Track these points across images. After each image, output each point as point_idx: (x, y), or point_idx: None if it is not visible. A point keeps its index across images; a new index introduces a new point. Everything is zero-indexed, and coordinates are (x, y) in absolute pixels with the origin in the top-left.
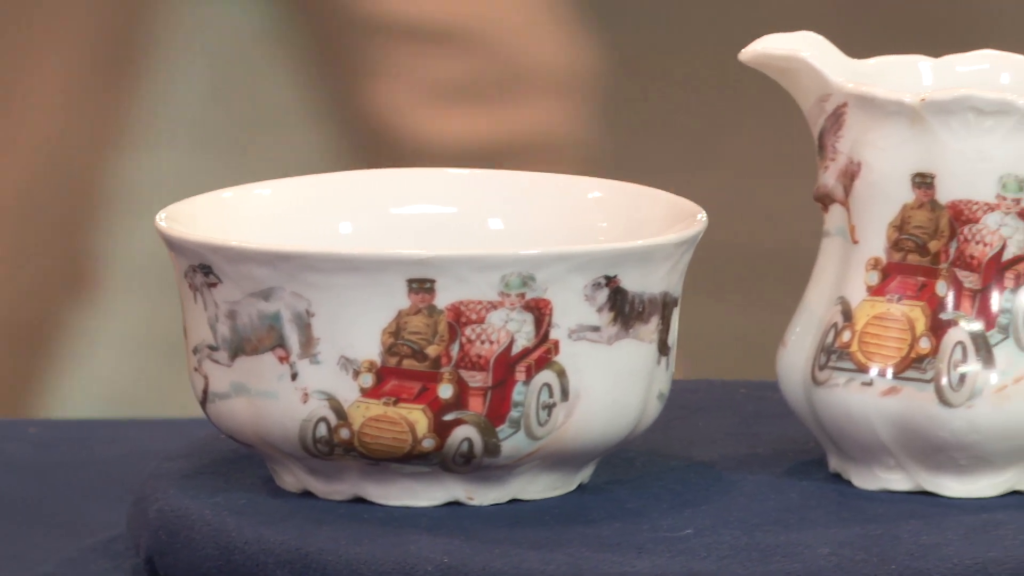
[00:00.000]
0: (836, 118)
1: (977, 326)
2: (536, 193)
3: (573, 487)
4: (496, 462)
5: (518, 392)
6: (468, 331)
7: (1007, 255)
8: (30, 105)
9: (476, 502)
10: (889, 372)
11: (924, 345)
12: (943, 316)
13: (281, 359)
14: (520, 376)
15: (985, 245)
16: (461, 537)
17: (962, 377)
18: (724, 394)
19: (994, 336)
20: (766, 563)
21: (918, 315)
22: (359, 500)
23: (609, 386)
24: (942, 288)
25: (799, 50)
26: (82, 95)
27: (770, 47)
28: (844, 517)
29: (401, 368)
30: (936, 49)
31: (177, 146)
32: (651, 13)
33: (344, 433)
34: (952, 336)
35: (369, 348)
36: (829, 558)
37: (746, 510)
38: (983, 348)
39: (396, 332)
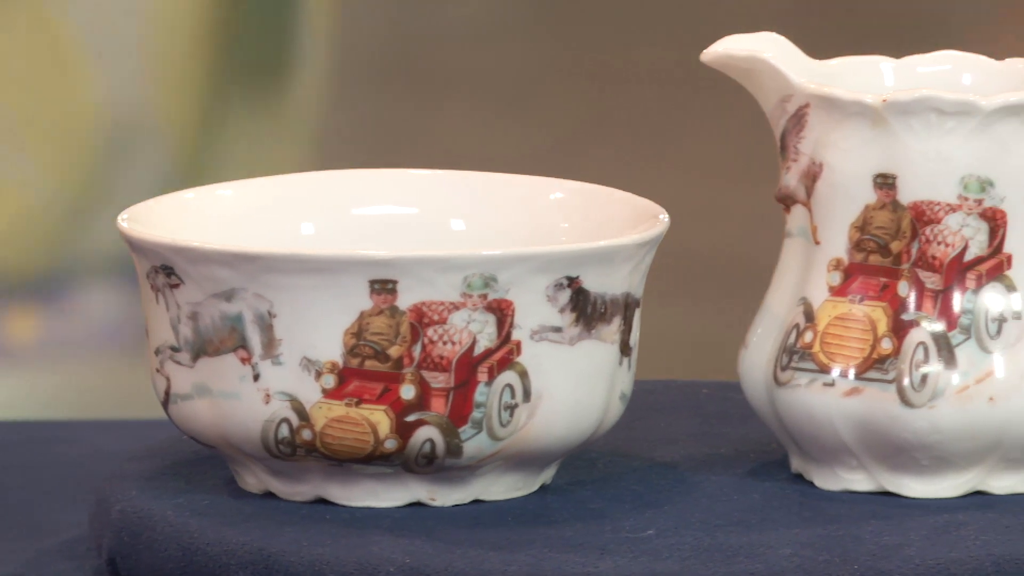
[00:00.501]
0: (798, 119)
1: (939, 327)
2: (498, 194)
3: (535, 488)
4: (458, 463)
5: (480, 393)
6: (430, 332)
7: (969, 256)
8: None
9: (438, 503)
10: (851, 373)
11: (886, 346)
12: (905, 317)
13: (243, 360)
14: (482, 377)
15: (947, 246)
16: (423, 538)
17: (924, 378)
18: (686, 395)
19: (956, 337)
20: (728, 564)
21: (880, 316)
22: (321, 501)
23: (571, 387)
24: (904, 289)
25: (761, 51)
26: None
27: (732, 48)
28: (806, 517)
29: (363, 369)
30: (898, 50)
31: None
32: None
33: (306, 434)
34: (914, 337)
35: (331, 349)
36: (791, 559)
37: (708, 511)
38: (945, 349)
39: (358, 333)
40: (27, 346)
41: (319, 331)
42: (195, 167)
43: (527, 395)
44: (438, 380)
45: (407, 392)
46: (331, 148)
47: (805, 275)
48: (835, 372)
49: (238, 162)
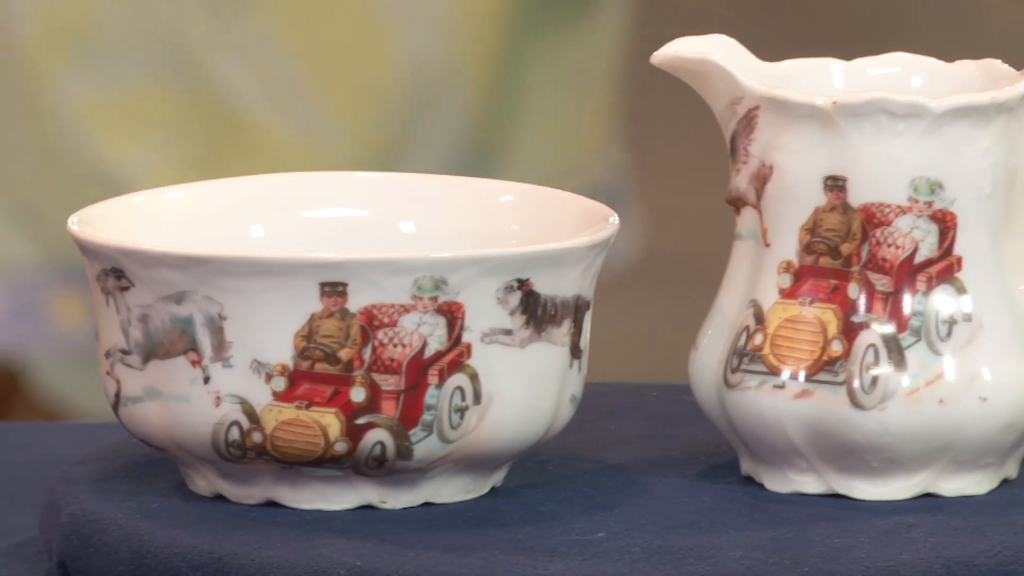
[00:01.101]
0: (748, 121)
1: (889, 329)
2: (448, 196)
3: (486, 490)
4: (409, 465)
5: (431, 395)
6: (380, 335)
7: (919, 258)
8: None
9: (389, 505)
10: (801, 375)
11: (836, 348)
12: (855, 319)
13: (193, 363)
14: (433, 379)
15: (897, 248)
16: (374, 540)
17: (874, 380)
18: (636, 397)
19: (906, 339)
20: (678, 566)
21: (830, 318)
22: (272, 504)
23: (522, 389)
24: (854, 291)
25: (711, 53)
26: None
27: (682, 50)
28: (756, 520)
29: (313, 372)
30: (848, 52)
31: None
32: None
33: (256, 437)
34: (864, 339)
35: (281, 352)
36: (741, 561)
37: (658, 513)
38: (895, 351)
39: (308, 336)
40: None
41: (269, 334)
42: (495, 119)
43: (477, 397)
44: (388, 383)
45: (357, 395)
46: (631, 91)
47: (755, 277)
48: (785, 374)
49: (536, 111)
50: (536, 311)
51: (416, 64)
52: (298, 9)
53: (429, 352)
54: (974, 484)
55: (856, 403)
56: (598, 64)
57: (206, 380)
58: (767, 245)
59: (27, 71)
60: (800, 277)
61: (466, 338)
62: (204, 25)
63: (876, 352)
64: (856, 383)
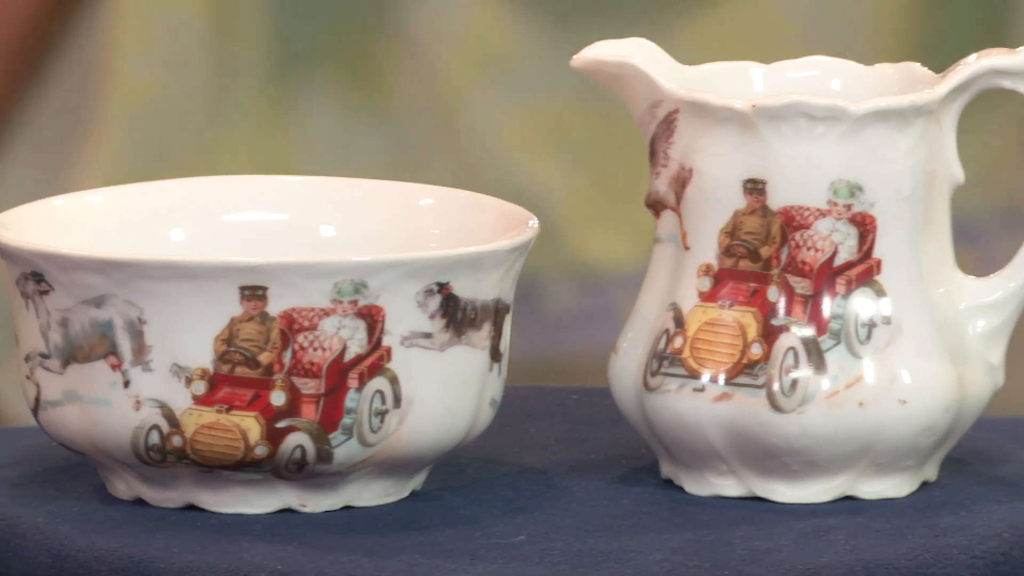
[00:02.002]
0: (667, 124)
1: (809, 332)
2: (368, 200)
3: (406, 494)
4: (329, 469)
5: (351, 399)
6: (301, 338)
7: (838, 261)
8: None
9: (309, 509)
10: (721, 378)
11: (756, 351)
12: (775, 322)
13: (113, 367)
14: (353, 383)
15: (816, 251)
16: (294, 544)
17: (794, 383)
18: (556, 400)
19: (826, 342)
20: (599, 569)
21: (750, 321)
22: (192, 507)
23: (441, 393)
24: (774, 294)
25: (630, 56)
26: None
27: (601, 54)
28: (676, 523)
29: (234, 375)
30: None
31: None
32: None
33: (176, 440)
34: (784, 342)
35: (201, 355)
36: (661, 564)
37: (578, 516)
38: (815, 354)
39: (229, 339)
40: None
41: (189, 337)
42: None
43: (397, 401)
44: (308, 386)
45: (277, 398)
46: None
47: (675, 280)
48: (705, 377)
49: None
50: (456, 314)
51: None
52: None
53: (349, 356)
54: (894, 487)
55: (776, 406)
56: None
57: (126, 384)
58: (687, 248)
59: (446, 93)
60: (720, 280)
61: (386, 341)
62: None
63: (796, 355)
64: (776, 386)
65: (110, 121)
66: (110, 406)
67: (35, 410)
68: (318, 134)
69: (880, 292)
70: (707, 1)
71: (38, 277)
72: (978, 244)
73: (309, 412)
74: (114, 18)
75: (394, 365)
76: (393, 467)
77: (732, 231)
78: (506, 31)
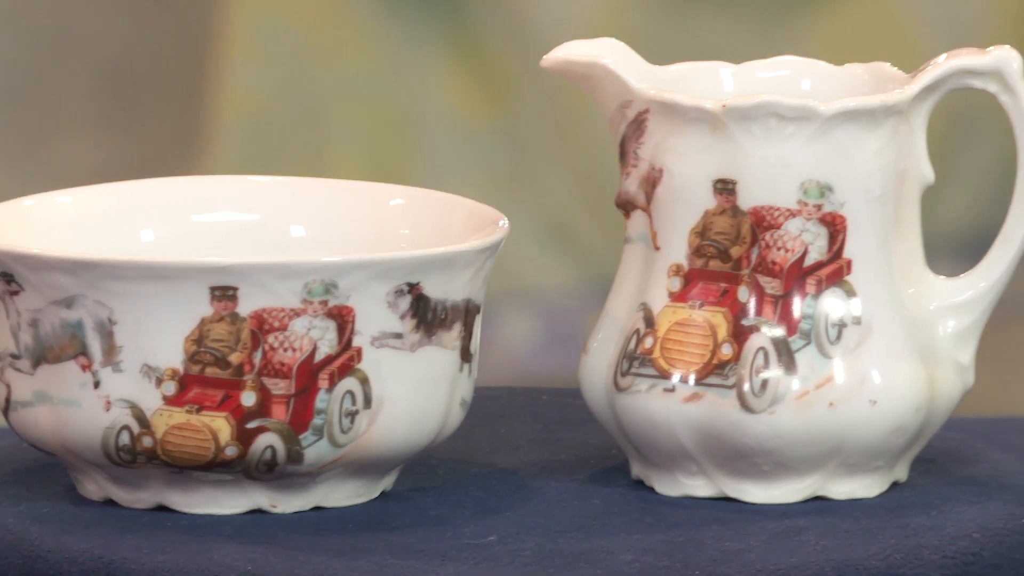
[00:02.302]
0: (638, 124)
1: (779, 332)
2: (338, 200)
3: (376, 494)
4: (299, 469)
5: (321, 399)
6: (271, 339)
7: (808, 261)
8: None
9: (279, 510)
10: (691, 378)
11: (726, 351)
12: (745, 322)
13: (84, 367)
14: (323, 383)
15: (787, 251)
16: (265, 545)
17: (764, 383)
18: (526, 401)
19: (796, 342)
20: (569, 570)
21: (720, 321)
22: (162, 508)
23: (412, 393)
24: (744, 294)
25: (601, 56)
26: None
27: (571, 54)
28: (647, 523)
29: (204, 376)
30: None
31: None
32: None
33: (147, 441)
34: (754, 342)
35: (172, 356)
36: (632, 564)
37: (549, 517)
38: (785, 354)
39: (199, 340)
40: None
41: (160, 338)
42: None
43: (368, 401)
44: (279, 387)
45: (248, 399)
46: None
47: (645, 281)
48: (675, 378)
49: None
50: (426, 315)
51: None
52: None
53: (319, 356)
54: (864, 487)
55: (746, 406)
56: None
57: (96, 384)
58: (657, 248)
59: (565, 104)
60: (690, 280)
61: (356, 342)
62: None
63: (766, 355)
64: (746, 386)
65: (222, 133)
66: (80, 407)
67: (5, 411)
68: (435, 143)
69: (850, 292)
70: None
71: (8, 277)
72: None
73: (279, 413)
74: (221, 31)
75: (364, 366)
76: (364, 468)
77: (702, 231)
78: (631, 39)
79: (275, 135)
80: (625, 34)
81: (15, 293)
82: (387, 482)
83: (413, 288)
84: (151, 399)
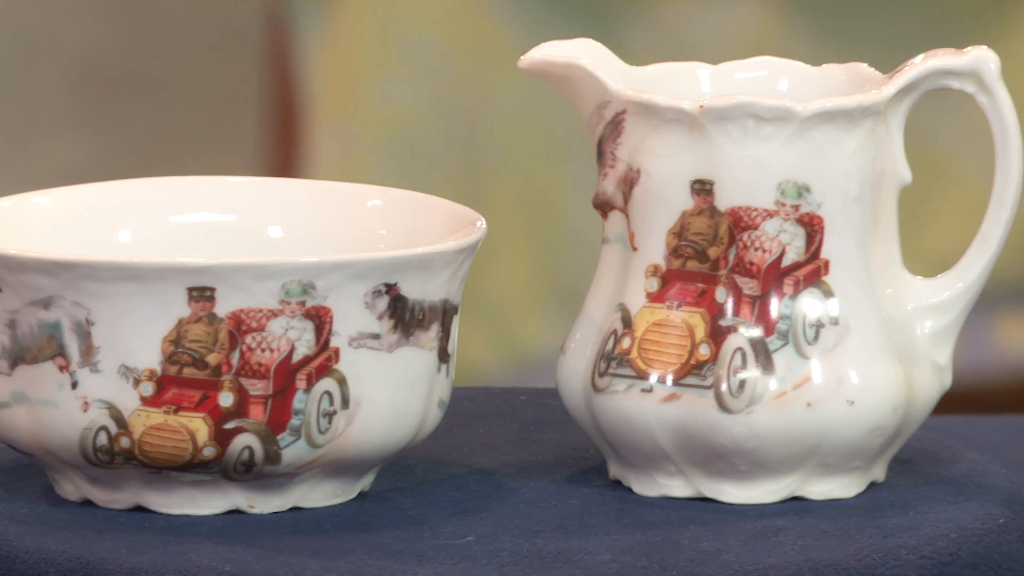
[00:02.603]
0: (615, 125)
1: (756, 332)
2: (316, 201)
3: (354, 495)
4: (277, 470)
5: (299, 400)
6: (249, 339)
7: (786, 261)
8: None
9: (257, 510)
10: (669, 379)
11: (704, 351)
12: (722, 322)
13: (61, 368)
14: (301, 384)
15: (764, 251)
16: (243, 545)
17: (742, 383)
18: (504, 401)
19: (773, 342)
20: (547, 570)
21: (698, 321)
22: (140, 509)
23: (389, 394)
24: (721, 294)
25: (578, 57)
26: None
27: (549, 54)
28: (625, 523)
29: (182, 376)
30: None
31: None
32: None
33: (124, 442)
34: (732, 342)
35: (149, 356)
36: (610, 564)
37: (527, 517)
38: (762, 354)
39: (176, 340)
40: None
41: (137, 339)
42: None
43: (345, 402)
44: (256, 387)
45: (225, 399)
46: None
47: (623, 281)
48: (653, 378)
49: None
50: (404, 315)
51: None
52: None
53: (297, 356)
54: (842, 487)
55: (724, 407)
56: None
57: (74, 385)
58: (634, 249)
59: None
60: (667, 281)
61: (334, 342)
62: None
63: (743, 356)
64: (724, 387)
65: (367, 151)
66: (58, 407)
67: None
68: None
69: (828, 293)
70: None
71: None
72: None
73: (257, 413)
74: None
75: (342, 366)
76: (341, 468)
77: (680, 232)
78: (789, 55)
79: (426, 156)
80: (781, 50)
81: None
82: (365, 483)
83: (391, 289)
84: (129, 400)
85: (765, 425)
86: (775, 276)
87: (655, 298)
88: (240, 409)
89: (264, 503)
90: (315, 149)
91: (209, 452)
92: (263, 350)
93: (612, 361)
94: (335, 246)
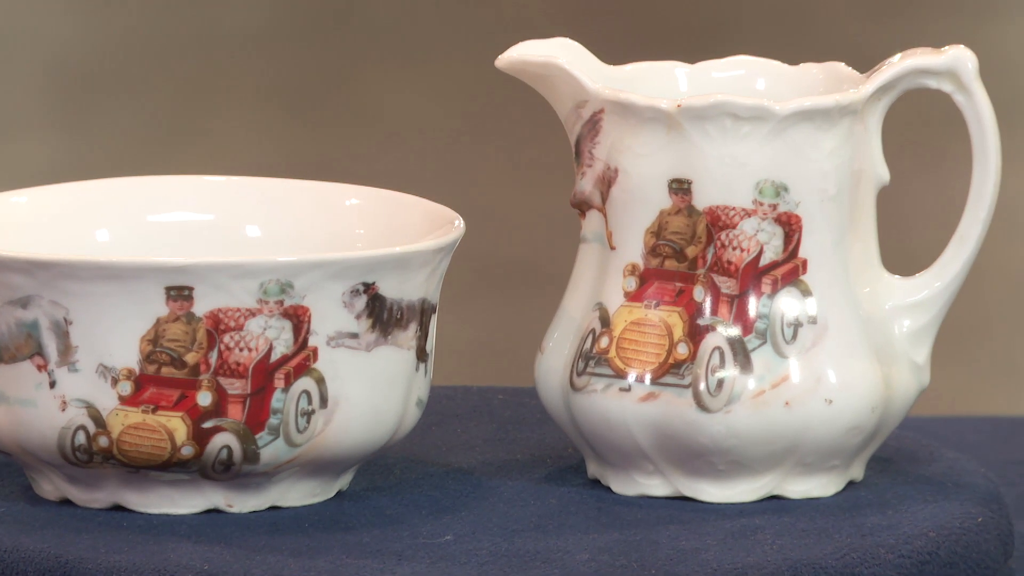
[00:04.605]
0: (593, 124)
1: (735, 331)
2: (294, 200)
3: (332, 494)
4: (255, 469)
5: (277, 399)
6: (227, 338)
7: (764, 260)
8: None
9: (236, 509)
10: (647, 378)
11: (682, 351)
12: (701, 322)
13: (39, 367)
14: (279, 383)
15: (742, 251)
16: (221, 544)
17: (720, 382)
18: (482, 400)
19: (752, 341)
20: (526, 569)
21: (676, 321)
22: (118, 508)
23: (368, 393)
24: (700, 294)
25: (556, 56)
26: None
27: (526, 53)
28: (603, 523)
29: (160, 376)
30: (692, 55)
31: None
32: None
33: (103, 441)
34: (710, 341)
35: (128, 356)
36: (588, 564)
37: (505, 516)
38: (741, 353)
39: (155, 340)
40: None
41: (115, 338)
42: None
43: (324, 401)
44: (235, 386)
45: (204, 399)
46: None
47: (601, 280)
48: (631, 377)
49: None
50: (382, 314)
51: None
52: None
53: (275, 356)
54: (820, 486)
55: (702, 406)
56: None
57: (52, 385)
58: (612, 248)
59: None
60: (646, 280)
61: (312, 342)
62: None
63: (722, 355)
64: (702, 386)
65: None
66: (36, 407)
67: None
68: None
69: (806, 292)
70: None
71: None
72: None
73: (235, 412)
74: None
75: (320, 365)
76: (320, 467)
77: (658, 231)
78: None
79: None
80: None
81: None
82: (343, 482)
83: (369, 288)
84: (107, 399)
85: (743, 424)
86: (753, 275)
87: (633, 297)
88: (218, 408)
89: (242, 502)
90: None
91: (187, 451)
92: (241, 349)
93: (590, 360)
94: (313, 245)
